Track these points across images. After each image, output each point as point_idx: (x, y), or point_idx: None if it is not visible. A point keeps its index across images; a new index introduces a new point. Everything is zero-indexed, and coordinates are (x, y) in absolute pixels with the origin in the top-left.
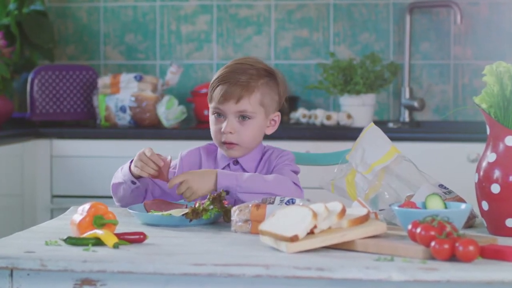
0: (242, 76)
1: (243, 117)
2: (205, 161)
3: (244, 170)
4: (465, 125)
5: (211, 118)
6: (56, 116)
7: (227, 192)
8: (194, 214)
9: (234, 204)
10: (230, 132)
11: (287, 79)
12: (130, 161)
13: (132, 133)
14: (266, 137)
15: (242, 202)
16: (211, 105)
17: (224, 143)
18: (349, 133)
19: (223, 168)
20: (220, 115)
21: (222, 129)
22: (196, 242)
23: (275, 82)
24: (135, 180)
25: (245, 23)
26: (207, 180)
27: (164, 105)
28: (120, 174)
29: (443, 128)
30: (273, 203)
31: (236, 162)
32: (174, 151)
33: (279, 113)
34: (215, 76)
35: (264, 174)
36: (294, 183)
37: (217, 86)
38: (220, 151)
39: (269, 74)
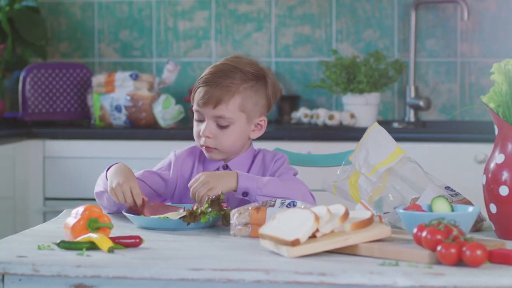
0: (224, 80)
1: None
2: (197, 164)
3: None
4: (473, 125)
5: (194, 119)
6: (49, 115)
7: (246, 194)
8: (192, 217)
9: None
10: (208, 137)
11: (288, 77)
12: (106, 169)
13: (127, 134)
14: (267, 138)
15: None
16: (193, 106)
17: (203, 146)
18: (352, 134)
19: None
20: (200, 116)
21: (200, 132)
22: (194, 246)
23: (262, 86)
24: None
25: (245, 19)
26: (228, 180)
27: (160, 105)
28: (101, 182)
29: (449, 128)
30: (273, 206)
31: (226, 166)
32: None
33: (265, 118)
34: (201, 76)
35: None
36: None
37: (198, 87)
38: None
39: (254, 78)
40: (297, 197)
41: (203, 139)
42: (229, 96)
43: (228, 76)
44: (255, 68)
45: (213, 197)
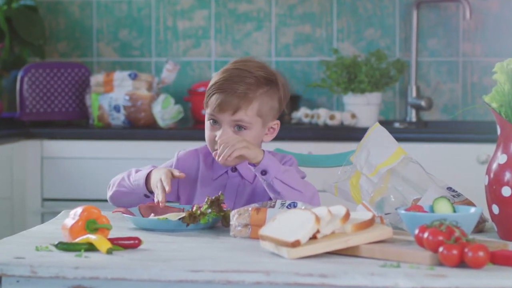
0: (240, 86)
1: (239, 126)
2: (203, 166)
3: (243, 178)
4: (475, 125)
5: (206, 124)
6: (47, 115)
7: (265, 173)
8: (191, 218)
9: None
10: None
11: (288, 77)
12: (145, 174)
13: (126, 134)
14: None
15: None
16: (206, 111)
17: None
18: (353, 134)
19: (220, 176)
20: (215, 122)
21: (216, 138)
22: (193, 247)
23: (275, 90)
24: (149, 194)
25: (245, 18)
26: (257, 151)
27: (159, 104)
28: (129, 183)
29: (451, 128)
30: (273, 206)
31: (235, 169)
32: (170, 152)
33: (278, 122)
34: (212, 81)
35: None
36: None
37: (214, 93)
38: None
39: (268, 82)
40: (307, 195)
41: (218, 144)
42: (247, 102)
43: (244, 82)
44: (267, 72)
45: (213, 198)
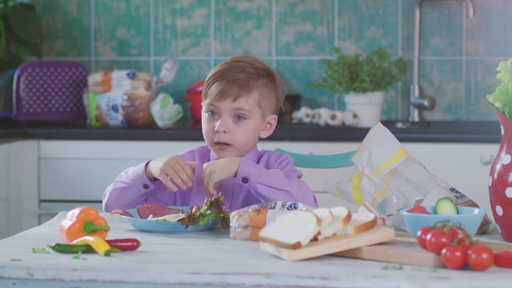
0: (241, 74)
1: (238, 116)
2: (199, 167)
3: None
4: (478, 125)
5: (204, 116)
6: (44, 115)
7: (246, 180)
8: (191, 219)
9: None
10: (224, 131)
11: (289, 76)
12: (144, 164)
13: (124, 134)
14: (267, 138)
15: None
16: (205, 102)
17: (217, 143)
18: (355, 134)
19: None
20: (214, 113)
21: (216, 128)
22: (192, 249)
23: (274, 84)
24: (149, 183)
25: (245, 16)
26: (230, 165)
27: (158, 104)
28: (126, 178)
29: (454, 128)
30: (274, 208)
31: None
32: (169, 153)
33: (276, 116)
34: (211, 73)
35: None
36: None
37: (214, 82)
38: (213, 155)
39: (268, 75)
40: (297, 195)
41: (217, 135)
42: (249, 90)
43: (245, 71)
44: (265, 67)
45: (213, 199)
